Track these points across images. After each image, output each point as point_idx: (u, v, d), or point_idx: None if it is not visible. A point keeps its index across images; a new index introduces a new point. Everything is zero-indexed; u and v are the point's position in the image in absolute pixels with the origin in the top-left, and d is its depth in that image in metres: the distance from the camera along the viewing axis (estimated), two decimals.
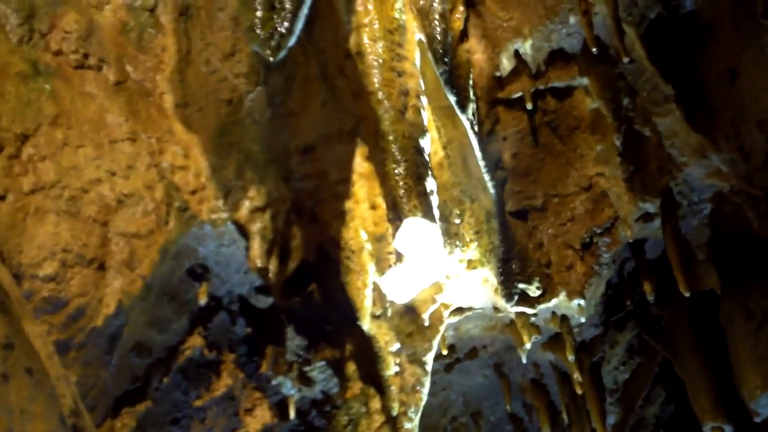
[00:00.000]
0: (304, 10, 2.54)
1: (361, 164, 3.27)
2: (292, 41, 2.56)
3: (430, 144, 3.03)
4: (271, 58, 2.54)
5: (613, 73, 3.31)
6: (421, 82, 3.02)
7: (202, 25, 3.13)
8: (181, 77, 3.08)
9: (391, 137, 2.83)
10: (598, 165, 3.45)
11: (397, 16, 2.96)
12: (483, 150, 3.33)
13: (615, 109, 3.34)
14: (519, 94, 3.39)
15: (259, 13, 2.50)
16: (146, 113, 2.99)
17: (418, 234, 2.99)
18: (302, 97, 3.23)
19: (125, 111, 2.93)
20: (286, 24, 2.52)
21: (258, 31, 2.51)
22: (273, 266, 3.17)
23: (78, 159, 2.78)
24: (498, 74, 3.38)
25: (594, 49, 3.19)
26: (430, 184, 2.96)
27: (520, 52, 3.35)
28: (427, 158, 2.95)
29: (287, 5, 2.53)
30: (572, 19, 3.25)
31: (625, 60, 3.18)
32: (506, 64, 3.36)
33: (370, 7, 2.91)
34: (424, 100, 3.04)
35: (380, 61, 2.89)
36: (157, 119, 3.01)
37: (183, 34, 3.12)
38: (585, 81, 3.36)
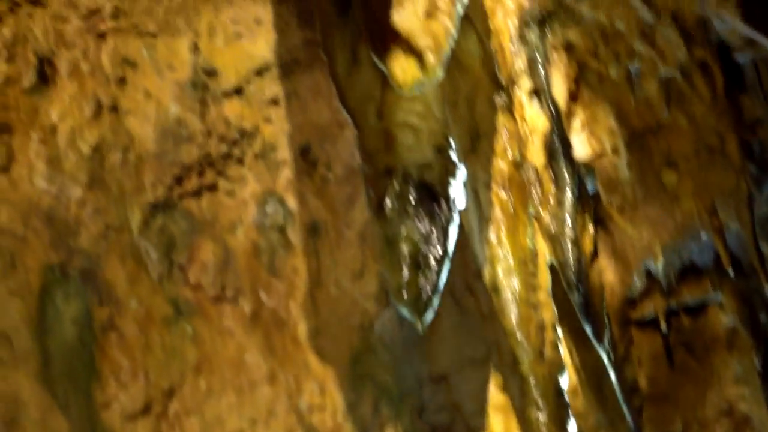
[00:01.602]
0: (448, 265, 2.63)
1: (495, 395, 3.29)
2: (437, 301, 2.62)
3: (568, 380, 3.10)
4: (419, 325, 2.58)
5: (749, 287, 3.47)
6: (555, 308, 3.12)
7: (331, 242, 3.21)
8: (313, 302, 3.12)
9: (531, 381, 2.89)
10: (738, 386, 3.54)
11: (529, 243, 3.10)
12: (618, 376, 3.38)
13: (752, 326, 3.48)
14: (652, 314, 3.52)
15: (405, 274, 2.56)
16: (282, 347, 3.00)
17: None
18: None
19: (263, 348, 2.93)
20: (431, 283, 2.59)
21: (404, 294, 2.56)
22: None
23: (221, 409, 2.75)
24: (630, 294, 3.51)
25: (729, 270, 3.37)
26: (572, 427, 3.00)
27: (652, 271, 3.50)
28: (567, 398, 3.02)
29: (432, 262, 2.60)
30: (704, 236, 3.44)
31: (764, 281, 3.36)
32: (638, 283, 3.50)
33: (504, 237, 3.05)
34: (559, 330, 3.14)
35: (517, 297, 2.98)
36: (293, 353, 3.01)
37: (313, 253, 3.18)
38: (719, 296, 3.52)
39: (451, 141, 2.69)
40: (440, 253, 2.50)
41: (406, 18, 2.34)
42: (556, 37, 3.15)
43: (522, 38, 3.16)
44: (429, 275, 2.50)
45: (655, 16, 3.06)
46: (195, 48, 3.06)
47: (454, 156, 2.67)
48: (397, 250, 2.49)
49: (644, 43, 3.16)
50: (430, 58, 2.27)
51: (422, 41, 2.28)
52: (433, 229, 2.53)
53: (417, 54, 2.29)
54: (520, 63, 3.16)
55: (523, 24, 3.15)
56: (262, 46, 3.18)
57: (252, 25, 3.18)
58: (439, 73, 2.30)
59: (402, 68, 2.30)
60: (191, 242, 2.90)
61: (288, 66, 3.17)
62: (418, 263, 2.50)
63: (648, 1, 3.06)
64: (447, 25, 2.37)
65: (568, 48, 3.19)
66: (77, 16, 2.83)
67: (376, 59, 2.36)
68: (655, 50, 3.17)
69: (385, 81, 2.46)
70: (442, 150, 2.67)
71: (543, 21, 3.14)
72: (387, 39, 2.34)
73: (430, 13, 2.35)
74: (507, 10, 3.16)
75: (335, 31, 2.74)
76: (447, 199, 2.59)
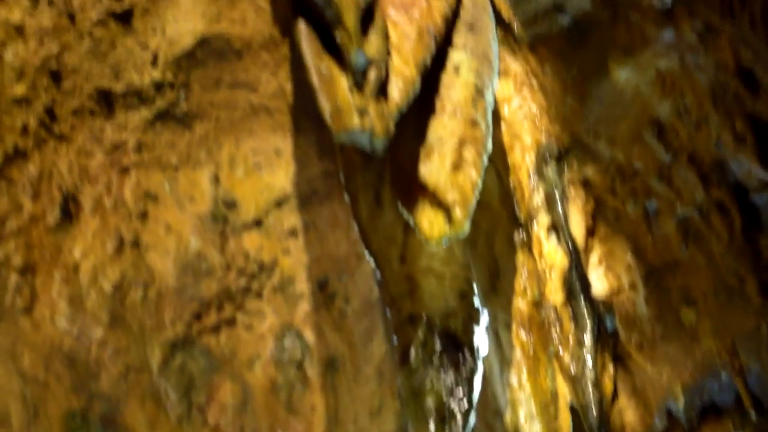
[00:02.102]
0: (473, 418, 2.67)
1: None
2: None
3: None
4: None
5: None
6: None
7: (348, 378, 3.24)
8: None
9: None
10: None
11: (550, 385, 3.15)
12: None
13: None
14: None
15: (431, 429, 2.60)
16: None
17: None
18: None
19: None
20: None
21: None
22: None
23: None
24: None
25: (751, 411, 3.41)
26: None
27: (673, 411, 3.53)
28: None
29: (458, 416, 2.64)
30: (724, 376, 3.50)
31: None
32: (659, 424, 3.53)
33: (525, 381, 3.09)
34: None
35: None
36: None
37: (330, 389, 3.21)
38: None
39: (474, 286, 2.76)
40: (466, 406, 2.54)
41: (433, 170, 2.44)
42: (574, 173, 3.26)
43: (540, 174, 3.27)
44: (455, 429, 2.54)
45: (672, 157, 3.18)
46: (215, 180, 3.14)
47: (477, 301, 2.73)
48: (422, 403, 2.53)
49: (661, 182, 3.27)
50: (458, 213, 2.36)
51: (450, 195, 2.36)
52: (458, 380, 2.58)
53: (444, 208, 2.37)
54: (538, 198, 3.26)
55: (541, 159, 3.26)
56: (281, 176, 3.27)
57: (272, 155, 3.27)
58: (466, 228, 2.37)
59: (429, 222, 2.38)
60: (210, 381, 2.93)
61: (307, 197, 3.24)
62: (444, 417, 2.54)
63: (665, 142, 3.18)
64: (473, 177, 2.46)
65: (586, 184, 3.29)
66: (102, 150, 2.92)
67: (402, 210, 2.45)
68: (672, 189, 3.27)
69: (408, 224, 2.54)
70: (465, 296, 2.74)
71: (560, 157, 3.25)
72: (414, 191, 2.42)
73: (458, 165, 2.45)
74: (525, 146, 3.28)
75: (358, 173, 2.84)
76: (471, 347, 2.65)
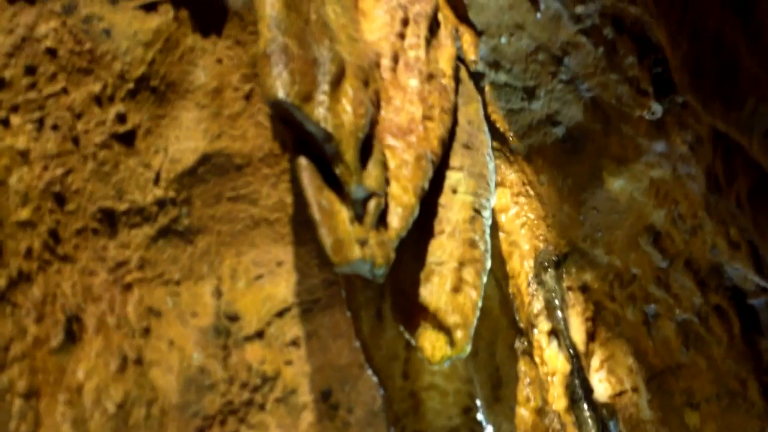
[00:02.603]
0: None
1: None
2: None
3: None
4: None
5: None
6: None
7: None
8: None
9: None
10: None
11: None
12: None
13: None
14: None
15: None
16: None
17: None
18: None
19: None
20: None
21: None
22: None
23: None
24: None
25: None
26: None
27: None
28: None
29: None
30: None
31: None
32: None
33: None
34: None
35: None
36: None
37: None
38: None
39: (477, 401, 2.78)
40: None
41: (434, 293, 2.48)
42: (572, 279, 3.30)
43: (539, 280, 3.31)
44: None
45: (668, 263, 3.23)
46: (218, 293, 3.19)
47: (480, 416, 2.75)
48: None
49: (659, 287, 3.31)
50: (459, 335, 2.39)
51: (450, 318, 2.40)
52: None
53: (446, 330, 2.41)
54: (537, 305, 3.30)
55: (540, 266, 3.31)
56: (283, 287, 3.31)
57: (273, 266, 3.32)
58: (468, 349, 2.41)
59: (431, 344, 2.41)
60: None
61: (308, 306, 3.29)
62: None
63: (661, 248, 3.23)
64: (473, 297, 2.50)
65: (584, 290, 3.33)
66: (105, 269, 2.97)
67: (405, 333, 2.48)
68: (670, 294, 3.31)
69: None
70: (468, 411, 2.76)
71: (559, 264, 3.30)
72: (415, 313, 2.46)
73: (457, 287, 2.49)
74: (523, 253, 3.34)
75: (359, 290, 2.88)
76: None
